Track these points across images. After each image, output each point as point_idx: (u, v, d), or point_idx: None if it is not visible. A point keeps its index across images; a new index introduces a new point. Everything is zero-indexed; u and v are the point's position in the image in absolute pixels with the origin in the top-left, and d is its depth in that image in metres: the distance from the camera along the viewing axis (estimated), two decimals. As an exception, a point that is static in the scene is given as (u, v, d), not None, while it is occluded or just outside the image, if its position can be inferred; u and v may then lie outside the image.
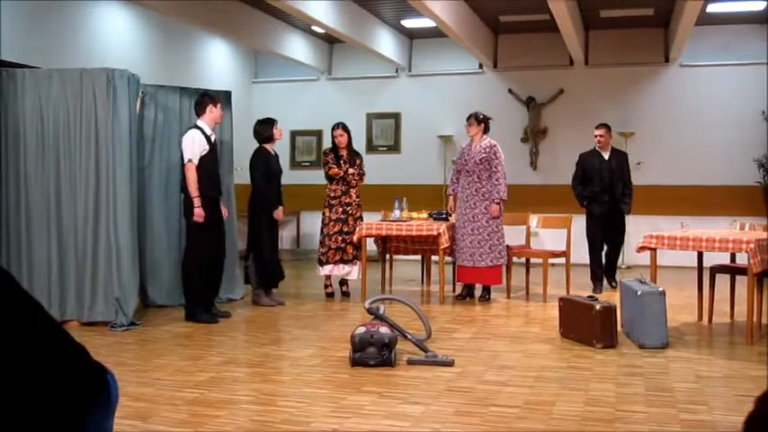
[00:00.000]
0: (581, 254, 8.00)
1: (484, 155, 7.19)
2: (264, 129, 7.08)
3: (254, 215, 7.03)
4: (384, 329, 4.69)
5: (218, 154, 6.57)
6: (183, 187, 6.21)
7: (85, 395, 1.19)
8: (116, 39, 8.82)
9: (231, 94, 7.57)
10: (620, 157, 8.08)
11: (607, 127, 8.08)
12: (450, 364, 4.67)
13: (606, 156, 7.99)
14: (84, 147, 6.06)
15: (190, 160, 6.08)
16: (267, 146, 7.07)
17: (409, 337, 4.93)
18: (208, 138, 6.24)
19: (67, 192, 6.09)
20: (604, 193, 7.89)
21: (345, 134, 7.60)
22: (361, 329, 4.67)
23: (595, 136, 8.02)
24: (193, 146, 6.12)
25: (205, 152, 6.16)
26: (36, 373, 1.11)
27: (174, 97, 7.08)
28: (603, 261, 8.03)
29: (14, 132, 6.12)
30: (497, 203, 7.15)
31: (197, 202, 6.06)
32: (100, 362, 1.25)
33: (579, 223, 7.91)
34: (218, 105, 6.39)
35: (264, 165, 6.98)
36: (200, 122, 6.28)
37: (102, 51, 8.37)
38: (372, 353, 4.59)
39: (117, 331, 5.81)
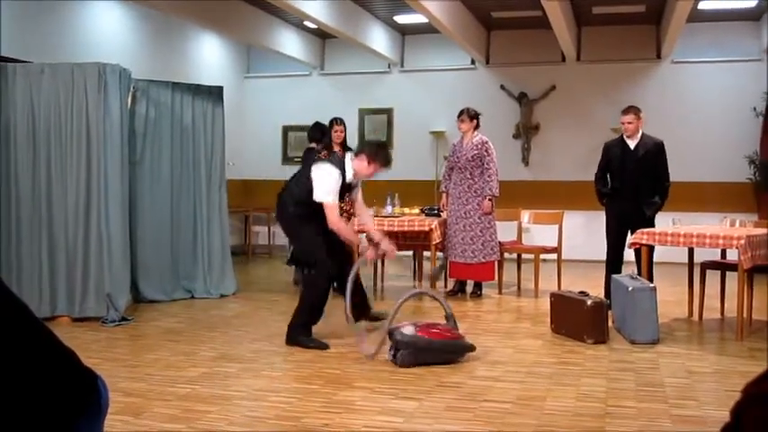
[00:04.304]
0: (572, 250, 7.99)
1: (476, 151, 7.19)
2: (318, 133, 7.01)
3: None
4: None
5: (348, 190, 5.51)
6: (285, 197, 5.39)
7: (76, 401, 1.17)
8: (108, 33, 8.78)
9: (223, 89, 7.56)
10: (650, 146, 6.61)
11: (635, 111, 6.63)
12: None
13: (633, 145, 6.62)
14: (75, 141, 6.04)
15: (325, 200, 5.15)
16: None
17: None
18: (345, 181, 5.27)
19: (58, 186, 6.06)
20: (626, 189, 6.59)
21: (344, 130, 7.60)
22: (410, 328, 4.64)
23: (622, 122, 6.67)
24: (328, 185, 5.16)
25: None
26: (25, 378, 1.09)
27: (165, 92, 7.06)
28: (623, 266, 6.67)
29: (5, 127, 6.08)
30: (489, 200, 7.16)
31: (356, 240, 5.61)
32: (90, 367, 1.23)
33: (570, 219, 7.88)
34: (375, 166, 5.29)
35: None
36: (349, 159, 5.32)
37: (93, 46, 8.33)
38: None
39: (108, 327, 5.80)
